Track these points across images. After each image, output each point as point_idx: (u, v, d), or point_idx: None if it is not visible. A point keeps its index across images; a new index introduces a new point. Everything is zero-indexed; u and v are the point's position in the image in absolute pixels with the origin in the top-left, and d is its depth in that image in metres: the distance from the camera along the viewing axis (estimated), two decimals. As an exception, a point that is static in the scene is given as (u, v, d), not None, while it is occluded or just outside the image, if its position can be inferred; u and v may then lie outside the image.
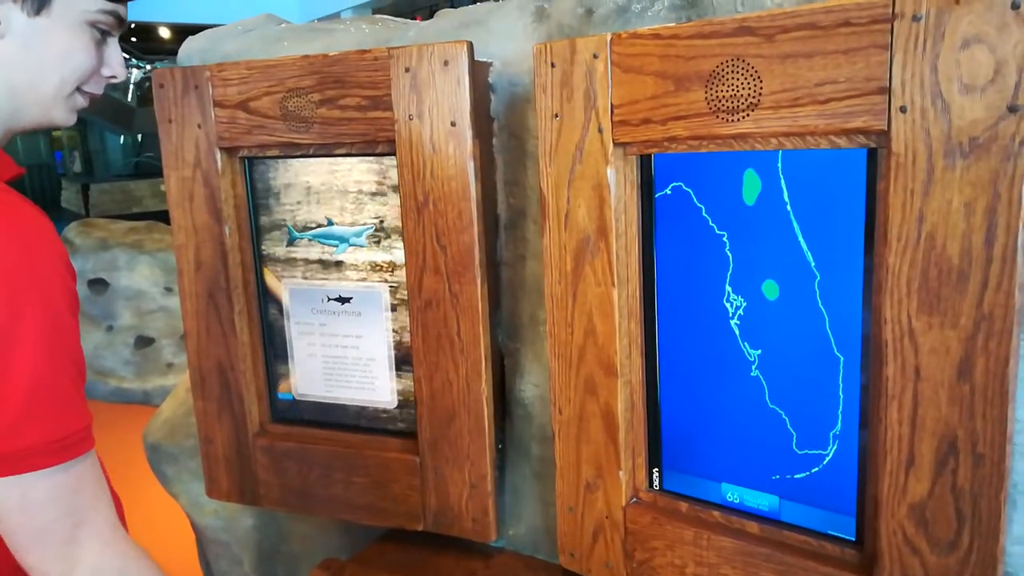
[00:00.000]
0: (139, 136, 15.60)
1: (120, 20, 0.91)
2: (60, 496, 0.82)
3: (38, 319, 0.79)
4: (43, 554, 0.83)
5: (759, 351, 0.94)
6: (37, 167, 16.23)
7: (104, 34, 0.91)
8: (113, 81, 0.95)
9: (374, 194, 1.21)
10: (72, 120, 0.93)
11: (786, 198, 0.88)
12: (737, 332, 0.95)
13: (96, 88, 0.93)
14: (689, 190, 0.96)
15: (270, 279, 1.29)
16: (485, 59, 1.18)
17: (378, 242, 1.22)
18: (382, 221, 1.21)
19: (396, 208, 1.19)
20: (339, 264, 1.24)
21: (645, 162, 0.99)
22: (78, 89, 0.91)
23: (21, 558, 0.84)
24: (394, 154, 1.14)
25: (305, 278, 1.27)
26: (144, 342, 4.76)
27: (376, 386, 1.26)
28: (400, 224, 1.16)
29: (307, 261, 1.27)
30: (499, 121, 1.20)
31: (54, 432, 0.80)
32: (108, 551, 0.86)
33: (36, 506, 0.81)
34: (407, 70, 1.09)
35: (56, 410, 0.81)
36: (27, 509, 0.81)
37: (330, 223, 1.24)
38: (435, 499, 1.21)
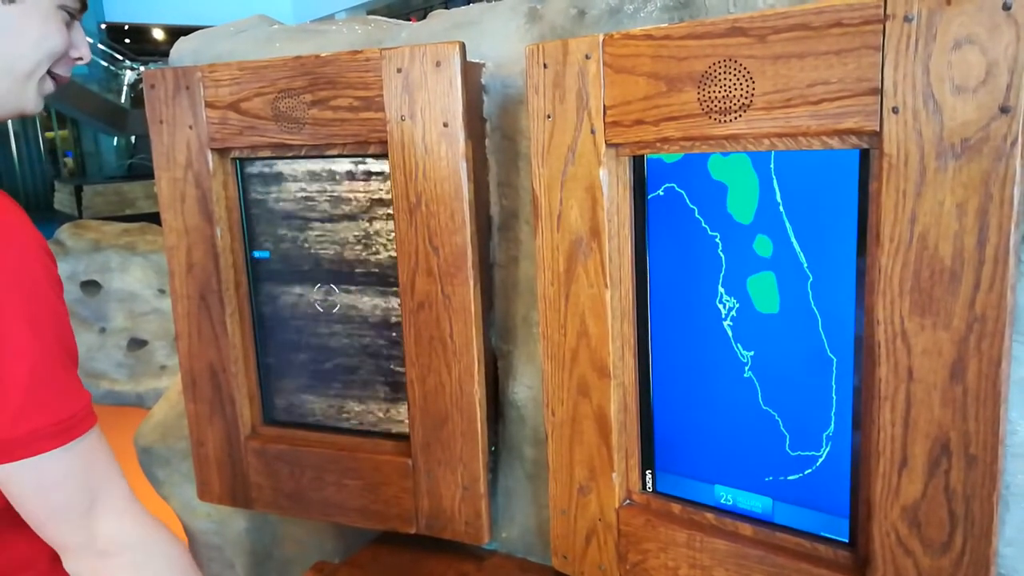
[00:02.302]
0: (132, 138, 15.58)
1: (84, 4, 0.95)
2: (74, 474, 0.84)
3: (25, 306, 0.80)
4: (63, 528, 0.85)
5: (752, 352, 0.94)
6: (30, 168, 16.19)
7: (72, 16, 0.93)
8: (80, 63, 0.97)
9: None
10: (40, 106, 0.95)
11: (779, 199, 0.88)
12: (730, 333, 0.95)
13: (65, 71, 0.96)
14: (682, 191, 0.96)
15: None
16: (478, 60, 1.18)
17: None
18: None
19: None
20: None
21: (638, 163, 0.99)
22: (48, 73, 0.93)
23: (42, 534, 0.86)
24: (386, 155, 1.13)
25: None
26: (137, 344, 4.74)
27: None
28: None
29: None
30: (492, 122, 1.20)
31: (57, 413, 0.82)
32: (126, 521, 0.89)
33: (52, 486, 0.83)
34: (399, 71, 1.09)
35: (56, 392, 0.83)
36: (44, 490, 0.83)
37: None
38: (428, 502, 1.20)
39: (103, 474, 0.87)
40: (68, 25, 0.93)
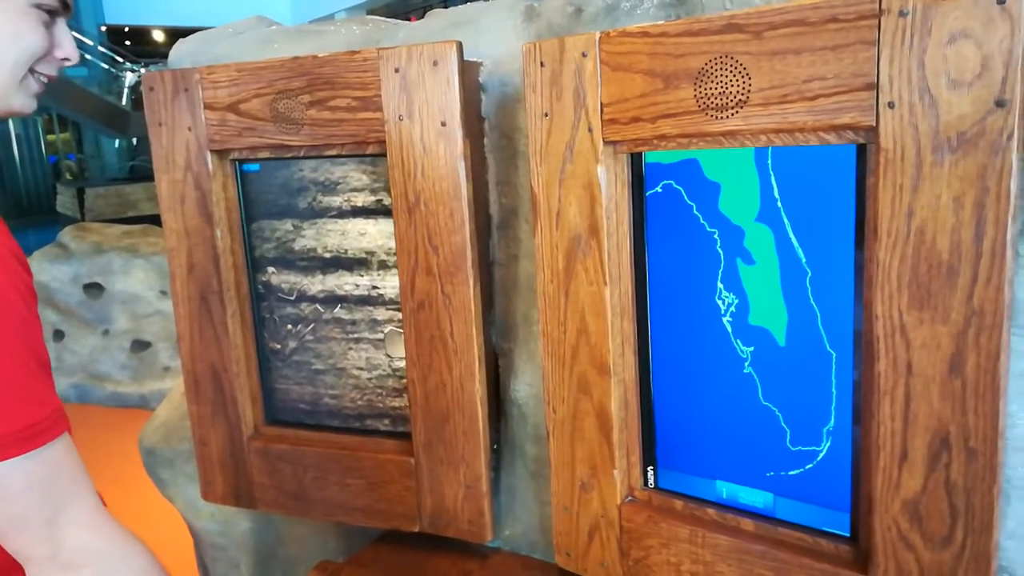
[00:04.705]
0: (134, 140, 15.60)
1: (66, 4, 0.94)
2: (37, 483, 0.83)
3: None
4: (26, 539, 0.84)
5: (751, 348, 0.94)
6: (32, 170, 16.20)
7: (52, 15, 0.93)
8: (67, 64, 0.97)
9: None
10: (31, 106, 0.94)
11: (776, 195, 0.88)
12: (729, 329, 0.95)
13: (49, 70, 0.95)
14: (680, 188, 0.96)
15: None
16: (475, 59, 1.18)
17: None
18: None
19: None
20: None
21: (635, 160, 0.99)
22: (32, 72, 0.93)
23: (6, 544, 0.84)
24: (384, 155, 1.14)
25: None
26: (140, 346, 4.75)
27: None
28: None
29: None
30: (490, 121, 1.20)
31: (18, 421, 0.81)
32: (92, 532, 0.87)
33: (13, 494, 0.82)
34: (397, 71, 1.09)
35: (20, 399, 0.82)
36: (5, 498, 0.82)
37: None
38: (430, 500, 1.21)
39: (69, 484, 0.86)
40: (49, 24, 0.92)
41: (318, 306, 1.27)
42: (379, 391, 1.26)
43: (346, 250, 1.24)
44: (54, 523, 0.84)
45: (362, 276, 1.23)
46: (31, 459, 0.82)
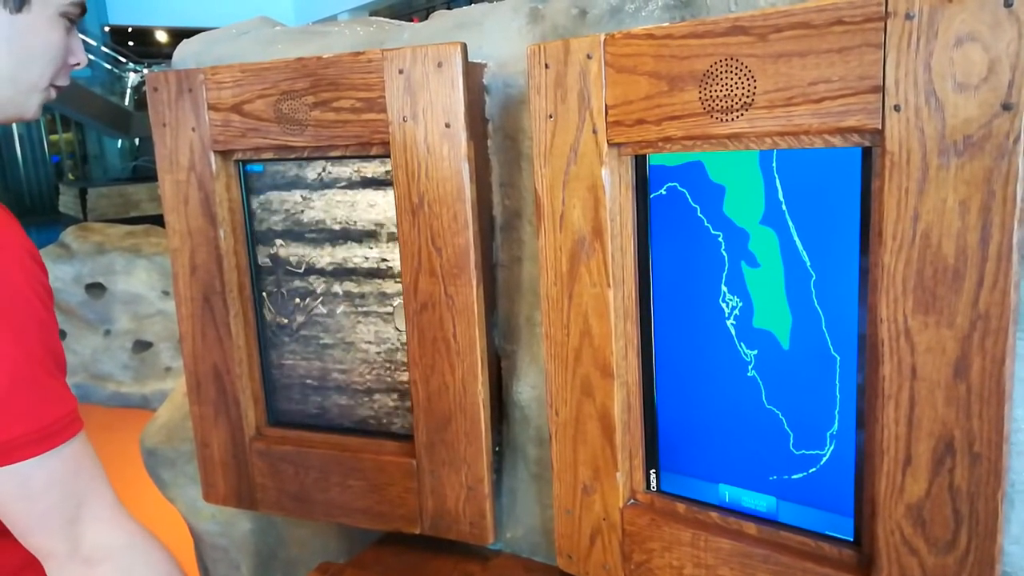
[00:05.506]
0: (136, 140, 15.64)
1: (83, 9, 0.95)
2: (59, 480, 0.84)
3: (5, 313, 0.80)
4: (48, 536, 0.85)
5: (755, 351, 0.94)
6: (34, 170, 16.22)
7: (72, 23, 0.93)
8: (77, 68, 0.97)
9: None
10: (39, 114, 0.96)
11: (781, 198, 0.88)
12: (733, 332, 0.95)
13: (64, 80, 0.96)
14: (684, 190, 0.96)
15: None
16: (480, 60, 1.18)
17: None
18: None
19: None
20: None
21: (640, 162, 0.99)
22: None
23: (27, 542, 0.85)
24: (388, 156, 1.14)
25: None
26: (142, 346, 4.75)
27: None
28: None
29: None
30: (494, 122, 1.20)
31: (39, 420, 0.82)
32: (112, 528, 0.88)
33: (37, 492, 0.83)
34: (401, 72, 1.09)
35: (39, 398, 0.82)
36: (28, 496, 0.83)
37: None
38: (432, 502, 1.20)
39: (88, 481, 0.87)
40: (67, 31, 0.93)
41: (326, 279, 1.26)
42: (388, 365, 1.25)
43: (355, 222, 1.23)
44: (75, 519, 0.85)
45: (371, 248, 1.22)
46: (53, 457, 0.83)
